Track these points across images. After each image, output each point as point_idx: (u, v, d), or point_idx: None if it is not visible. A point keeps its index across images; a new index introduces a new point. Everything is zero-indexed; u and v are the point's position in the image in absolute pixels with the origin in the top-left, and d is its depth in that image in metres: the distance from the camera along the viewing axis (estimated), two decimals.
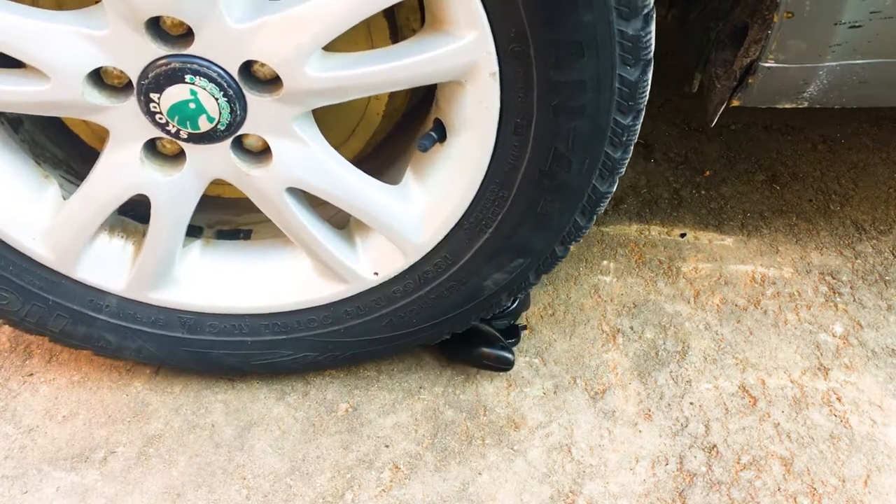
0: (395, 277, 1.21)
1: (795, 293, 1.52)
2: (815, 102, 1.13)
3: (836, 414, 1.31)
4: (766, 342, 1.43)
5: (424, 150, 1.10)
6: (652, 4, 0.95)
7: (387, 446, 1.28)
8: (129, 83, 0.99)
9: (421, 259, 1.20)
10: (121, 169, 1.08)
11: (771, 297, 1.52)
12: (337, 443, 1.28)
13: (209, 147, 1.05)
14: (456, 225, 1.16)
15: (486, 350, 1.35)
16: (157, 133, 1.03)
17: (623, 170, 1.11)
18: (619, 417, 1.31)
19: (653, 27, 0.96)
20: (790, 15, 1.00)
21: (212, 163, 1.07)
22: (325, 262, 1.19)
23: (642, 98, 1.03)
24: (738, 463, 1.25)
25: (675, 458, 1.26)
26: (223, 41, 0.94)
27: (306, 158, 1.07)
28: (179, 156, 1.08)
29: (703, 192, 1.76)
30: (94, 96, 0.99)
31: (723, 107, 1.16)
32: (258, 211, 1.27)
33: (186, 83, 0.97)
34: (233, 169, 1.08)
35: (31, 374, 1.37)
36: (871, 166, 1.83)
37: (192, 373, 1.37)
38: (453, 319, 1.27)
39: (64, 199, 1.17)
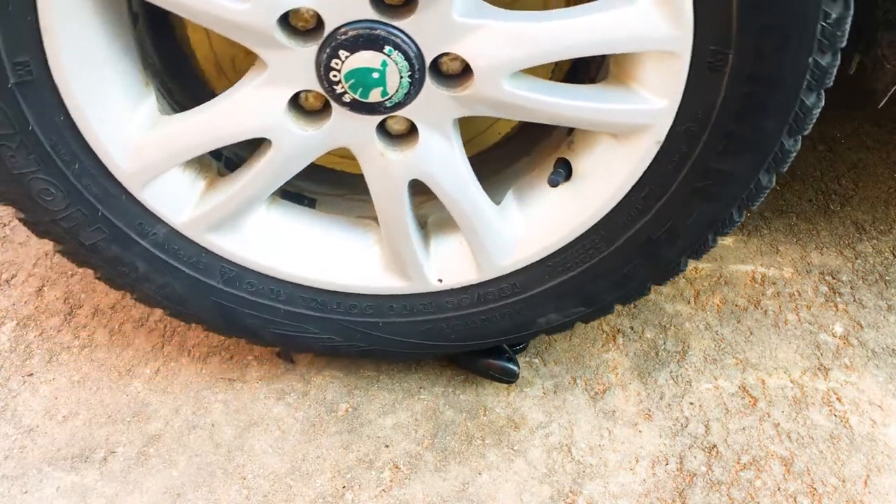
0: (456, 289, 1.21)
1: (795, 293, 1.52)
2: None
3: (836, 414, 1.31)
4: (766, 342, 1.43)
5: (555, 185, 1.12)
6: (810, 128, 1.04)
7: (387, 446, 1.28)
8: (316, 31, 0.96)
9: (490, 280, 1.19)
10: (260, 108, 1.04)
11: (771, 297, 1.52)
12: (337, 443, 1.28)
13: (360, 118, 1.03)
14: (541, 259, 1.17)
15: (490, 361, 1.33)
16: (317, 88, 1.01)
17: (704, 254, 1.20)
18: (619, 417, 1.31)
19: (798, 146, 1.05)
20: None
21: (352, 132, 1.05)
22: (399, 255, 1.18)
23: (760, 200, 1.12)
24: (738, 463, 1.25)
25: (675, 458, 1.26)
26: (438, 27, 0.94)
27: (445, 157, 1.07)
28: (320, 114, 1.05)
29: None
30: (279, 32, 0.96)
31: (894, 88, 1.15)
32: (322, 182, 1.24)
33: (383, 53, 0.95)
34: (368, 145, 1.06)
35: (31, 374, 1.37)
36: (871, 166, 1.83)
37: (192, 373, 1.37)
38: (488, 343, 1.27)
39: (161, 112, 1.11)
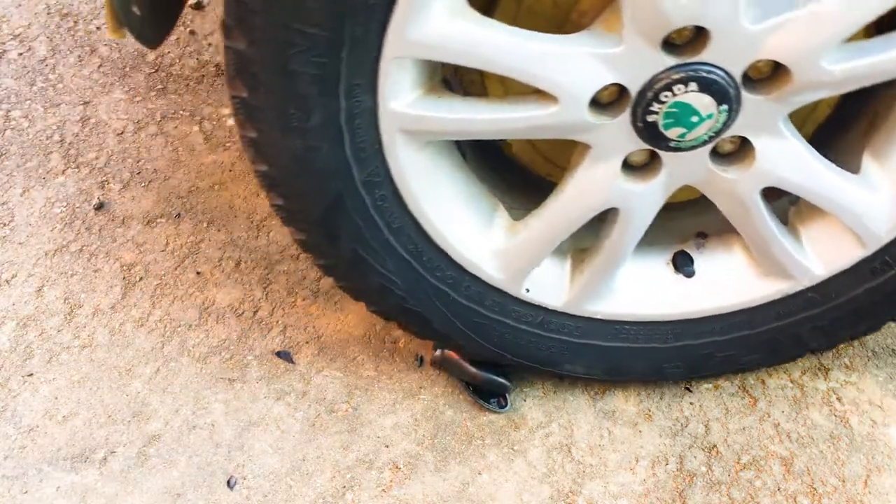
0: (531, 304, 1.19)
1: None
2: None
3: (836, 414, 1.31)
4: None
5: (689, 276, 1.17)
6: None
7: (387, 446, 1.28)
8: (682, 47, 0.91)
9: (562, 313, 1.20)
10: (598, 182, 1.02)
11: None
12: (337, 443, 1.28)
13: (686, 154, 1.00)
14: (615, 321, 1.21)
15: (474, 371, 1.30)
16: (628, 104, 0.96)
17: None
18: (619, 417, 1.31)
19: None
20: None
21: (615, 146, 1.00)
22: (532, 256, 1.16)
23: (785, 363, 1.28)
24: (738, 463, 1.25)
25: (675, 458, 1.26)
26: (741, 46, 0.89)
27: (789, 155, 1.03)
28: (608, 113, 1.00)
29: None
30: (656, 53, 0.90)
31: None
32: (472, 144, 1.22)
33: (718, 111, 0.93)
34: (708, 174, 1.05)
35: (31, 374, 1.37)
36: None
37: (192, 373, 1.37)
38: (514, 361, 1.26)
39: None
